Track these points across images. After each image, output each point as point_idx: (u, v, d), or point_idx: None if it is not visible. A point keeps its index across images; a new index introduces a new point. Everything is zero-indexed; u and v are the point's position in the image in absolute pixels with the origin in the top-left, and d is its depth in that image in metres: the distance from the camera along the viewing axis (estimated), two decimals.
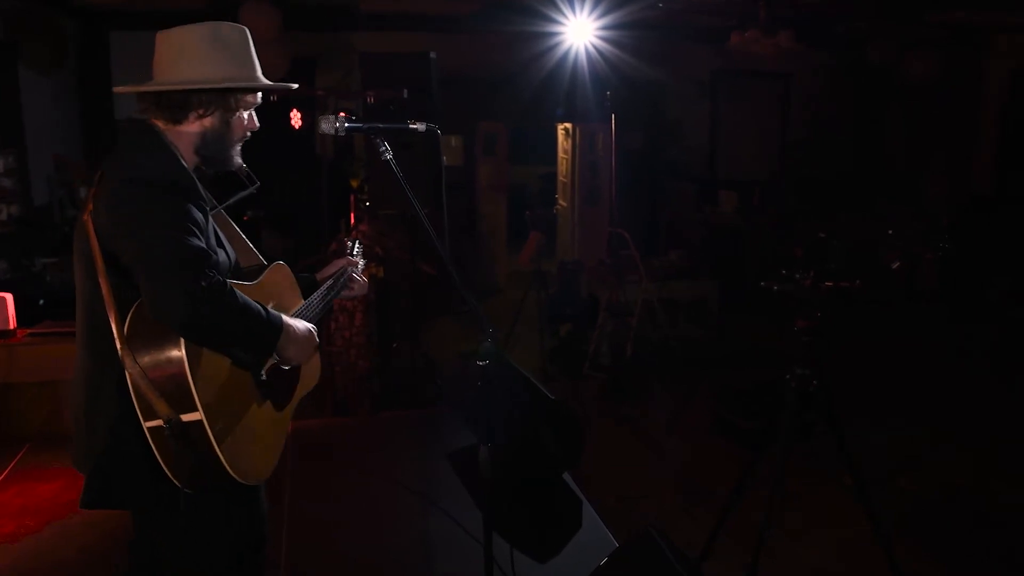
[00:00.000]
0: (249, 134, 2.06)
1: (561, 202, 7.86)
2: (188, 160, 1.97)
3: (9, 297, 4.75)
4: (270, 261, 2.19)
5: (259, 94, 2.04)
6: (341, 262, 2.51)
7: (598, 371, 6.05)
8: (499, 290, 8.58)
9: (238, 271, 2.06)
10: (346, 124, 1.99)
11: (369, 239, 5.65)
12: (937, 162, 9.81)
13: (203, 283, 1.66)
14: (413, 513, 3.82)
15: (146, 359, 1.70)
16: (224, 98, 1.94)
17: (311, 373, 2.22)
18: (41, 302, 5.71)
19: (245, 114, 2.01)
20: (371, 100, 4.77)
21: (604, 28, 6.51)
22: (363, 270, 2.57)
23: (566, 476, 3.87)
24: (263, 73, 2.04)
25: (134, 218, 1.73)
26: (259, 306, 1.81)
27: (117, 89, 1.99)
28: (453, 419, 4.85)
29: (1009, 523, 3.94)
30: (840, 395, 3.26)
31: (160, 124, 1.93)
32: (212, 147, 1.98)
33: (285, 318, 1.91)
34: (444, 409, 5.14)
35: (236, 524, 2.03)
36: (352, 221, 5.95)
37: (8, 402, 4.65)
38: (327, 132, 1.98)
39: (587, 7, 6.27)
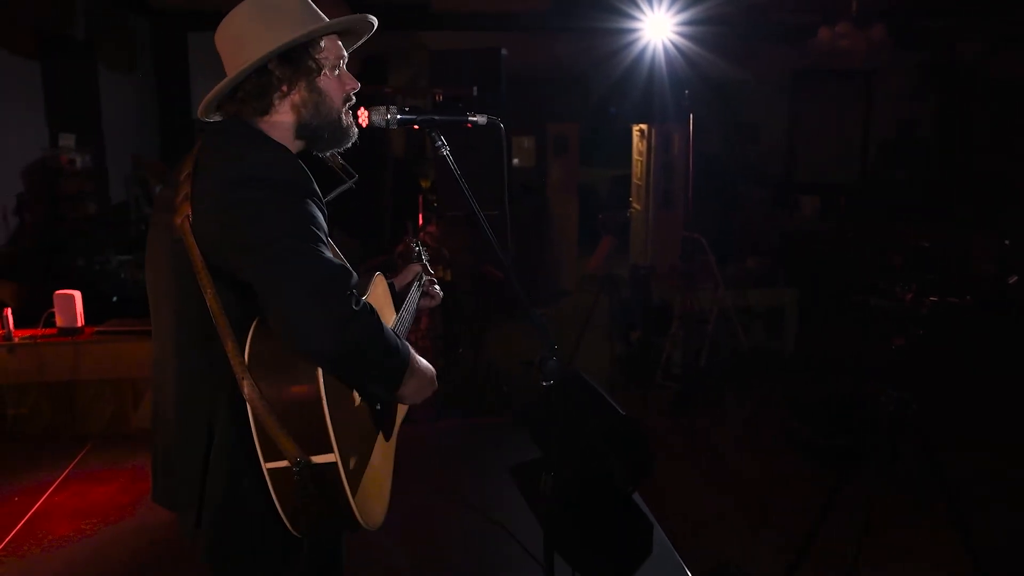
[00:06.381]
0: (353, 94, 1.78)
1: (635, 205, 7.64)
2: (293, 151, 1.72)
3: (77, 294, 4.74)
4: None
5: (342, 47, 1.76)
6: (416, 268, 2.31)
7: (670, 380, 5.82)
8: (568, 293, 8.40)
9: None
10: (397, 116, 1.81)
11: (436, 241, 5.54)
12: None
13: (352, 305, 1.42)
14: (471, 528, 3.68)
15: (272, 390, 1.46)
16: (301, 62, 1.66)
17: None
18: (115, 299, 5.77)
19: (334, 71, 1.74)
20: (439, 97, 4.67)
21: (683, 24, 6.27)
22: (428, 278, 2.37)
23: (636, 496, 3.67)
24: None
25: (254, 226, 1.45)
26: (393, 332, 1.57)
27: (200, 112, 1.72)
28: (517, 430, 4.69)
29: None
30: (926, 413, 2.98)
31: (254, 121, 1.68)
32: (314, 123, 1.70)
33: (412, 351, 1.65)
34: (508, 419, 4.99)
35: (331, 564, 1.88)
36: (420, 222, 5.85)
37: (73, 400, 4.66)
38: (377, 125, 1.81)
39: (666, 1, 6.04)
